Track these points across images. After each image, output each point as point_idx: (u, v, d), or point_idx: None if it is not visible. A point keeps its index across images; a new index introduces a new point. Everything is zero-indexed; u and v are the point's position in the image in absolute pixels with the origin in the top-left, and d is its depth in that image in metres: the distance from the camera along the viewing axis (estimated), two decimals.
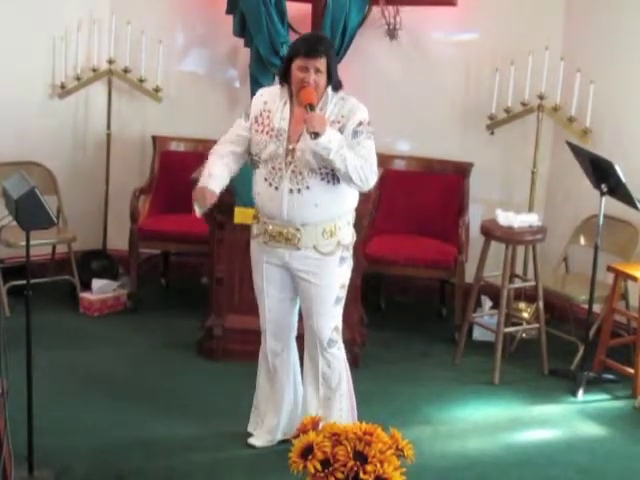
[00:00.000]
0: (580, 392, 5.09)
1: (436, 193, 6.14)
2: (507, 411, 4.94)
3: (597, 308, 5.38)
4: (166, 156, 6.36)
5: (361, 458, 3.13)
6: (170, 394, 4.89)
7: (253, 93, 4.29)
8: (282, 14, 5.82)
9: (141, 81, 6.25)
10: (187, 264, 6.42)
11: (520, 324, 5.72)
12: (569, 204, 6.02)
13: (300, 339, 4.34)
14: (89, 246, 6.39)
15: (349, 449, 3.14)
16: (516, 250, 5.51)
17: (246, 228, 4.46)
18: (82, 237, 6.14)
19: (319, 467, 3.13)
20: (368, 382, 4.84)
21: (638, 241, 5.47)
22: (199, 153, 6.07)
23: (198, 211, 4.04)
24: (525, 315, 5.91)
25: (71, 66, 6.23)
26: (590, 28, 5.84)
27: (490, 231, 5.34)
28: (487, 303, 5.79)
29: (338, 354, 4.23)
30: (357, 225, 4.27)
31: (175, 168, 6.25)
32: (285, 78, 4.05)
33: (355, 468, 3.12)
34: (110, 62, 6.25)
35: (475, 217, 5.97)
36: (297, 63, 3.96)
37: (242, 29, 5.92)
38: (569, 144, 5.31)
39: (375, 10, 5.94)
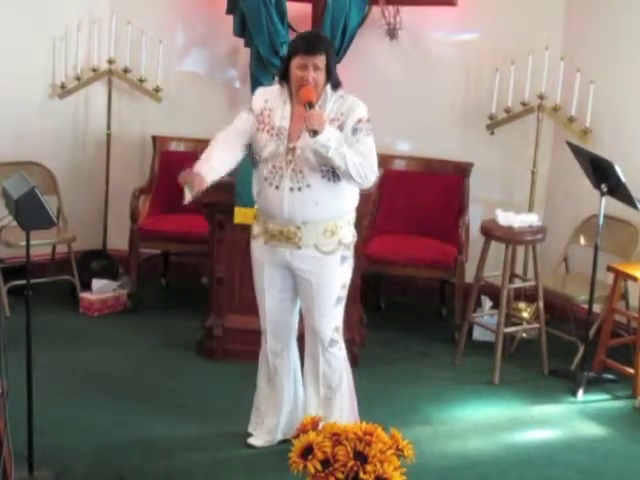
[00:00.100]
0: (580, 392, 5.09)
1: (436, 193, 6.14)
2: (507, 411, 4.94)
3: (597, 308, 5.38)
4: (166, 156, 6.36)
5: (361, 458, 3.13)
6: (170, 394, 4.89)
7: (253, 93, 4.29)
8: (282, 14, 5.82)
9: (141, 81, 6.25)
10: (187, 264, 6.43)
11: (520, 324, 5.72)
12: (569, 204, 6.02)
13: (300, 339, 4.34)
14: (89, 246, 6.39)
15: (349, 449, 3.14)
16: (516, 250, 5.51)
17: (246, 228, 4.47)
18: (82, 237, 6.14)
19: (319, 467, 3.13)
20: (368, 382, 4.84)
21: (638, 241, 5.47)
22: (199, 153, 6.07)
23: (188, 196, 3.96)
24: (525, 315, 5.91)
25: (71, 66, 6.23)
26: (590, 28, 5.84)
27: (490, 231, 5.34)
28: (487, 303, 5.79)
29: (339, 354, 4.23)
30: (357, 225, 4.27)
31: (175, 168, 6.15)
32: (284, 77, 4.06)
33: (355, 468, 3.12)
34: (110, 62, 6.25)
35: (475, 217, 5.97)
36: (296, 61, 3.96)
37: (242, 29, 5.92)
38: (569, 144, 5.31)
39: (375, 10, 5.95)
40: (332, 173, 3.97)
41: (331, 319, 4.16)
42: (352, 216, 4.18)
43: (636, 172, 5.19)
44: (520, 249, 5.69)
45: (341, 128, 3.95)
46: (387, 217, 6.01)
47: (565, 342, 5.53)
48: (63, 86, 6.25)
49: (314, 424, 3.32)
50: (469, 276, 5.64)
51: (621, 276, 5.20)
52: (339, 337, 4.22)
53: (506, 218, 5.32)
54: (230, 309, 5.25)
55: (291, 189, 3.98)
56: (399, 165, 6.21)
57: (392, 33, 5.92)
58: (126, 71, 6.26)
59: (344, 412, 4.21)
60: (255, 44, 5.87)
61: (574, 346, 5.44)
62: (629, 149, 5.59)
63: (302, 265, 4.09)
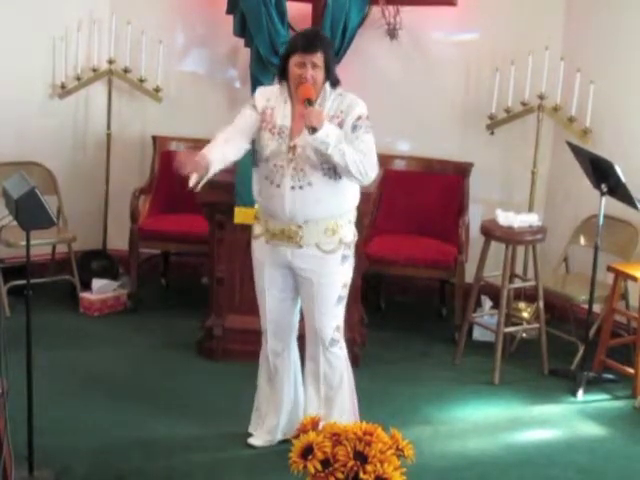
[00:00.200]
0: (580, 392, 5.09)
1: (436, 193, 6.14)
2: (507, 411, 4.94)
3: (597, 308, 5.38)
4: (166, 156, 6.35)
5: (361, 458, 3.13)
6: (170, 394, 4.89)
7: (253, 93, 4.29)
8: (282, 14, 5.82)
9: (141, 81, 6.25)
10: (187, 264, 6.42)
11: (520, 324, 5.72)
12: (569, 204, 6.02)
13: (301, 339, 4.34)
14: (89, 246, 6.39)
15: (349, 449, 3.14)
16: (516, 250, 5.51)
17: (246, 228, 4.47)
18: (82, 237, 6.14)
19: (319, 467, 3.13)
20: (368, 382, 4.84)
21: (638, 241, 5.47)
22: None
23: (193, 179, 3.92)
24: (525, 315, 5.91)
25: (71, 66, 6.23)
26: (590, 28, 5.84)
27: (490, 231, 5.34)
28: (487, 303, 5.79)
29: (340, 353, 4.23)
30: (358, 224, 4.27)
31: (175, 168, 6.24)
32: (284, 76, 4.06)
33: (355, 468, 3.12)
34: (110, 62, 6.25)
35: (475, 217, 5.97)
36: (294, 59, 3.97)
37: (242, 29, 5.92)
38: (569, 144, 5.31)
39: (375, 10, 5.94)
40: (333, 171, 3.97)
41: (332, 318, 4.16)
42: (353, 215, 4.18)
43: (636, 172, 5.19)
44: (520, 249, 5.69)
45: (341, 126, 3.96)
46: (387, 217, 6.01)
47: (565, 342, 5.53)
48: (63, 86, 6.25)
49: (314, 424, 3.32)
50: (469, 276, 5.64)
51: (621, 276, 5.20)
52: (340, 336, 4.22)
53: (506, 218, 5.32)
54: (230, 309, 5.25)
55: (292, 187, 3.98)
56: (399, 165, 6.21)
57: (392, 33, 5.92)
58: (126, 71, 6.26)
59: (345, 412, 4.21)
60: (255, 44, 5.87)
61: (574, 346, 5.44)
62: (629, 149, 5.59)
63: (303, 264, 4.09)
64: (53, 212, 3.94)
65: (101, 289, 5.95)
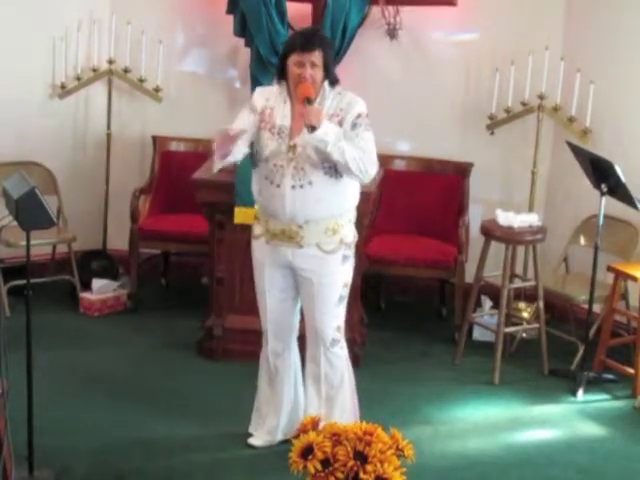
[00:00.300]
0: (580, 392, 5.09)
1: (436, 193, 6.14)
2: (507, 411, 4.94)
3: (597, 308, 5.38)
4: (166, 156, 6.36)
5: (361, 458, 3.13)
6: (170, 394, 4.90)
7: (253, 93, 4.29)
8: (282, 14, 5.81)
9: (141, 81, 6.25)
10: (187, 264, 6.42)
11: (520, 324, 5.71)
12: (569, 204, 6.01)
13: (301, 339, 4.34)
14: (89, 246, 6.38)
15: (349, 449, 3.14)
16: (516, 250, 5.51)
17: (246, 228, 4.47)
18: (82, 237, 6.14)
19: (319, 467, 3.13)
20: (368, 382, 4.84)
21: (638, 241, 5.47)
22: (199, 153, 6.10)
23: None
24: (525, 315, 5.91)
25: (71, 66, 6.23)
26: (590, 28, 5.83)
27: (490, 231, 5.34)
28: (487, 303, 5.79)
29: (341, 353, 4.23)
30: (358, 224, 4.27)
31: (175, 168, 6.25)
32: (283, 75, 4.06)
33: (355, 468, 3.12)
34: (110, 62, 6.25)
35: (475, 217, 5.97)
36: (293, 58, 3.97)
37: (242, 29, 5.92)
38: (569, 144, 5.31)
39: (375, 10, 5.94)
40: (334, 170, 3.97)
41: (333, 318, 4.16)
42: (353, 215, 4.19)
43: (636, 172, 5.19)
44: (520, 249, 5.69)
45: (340, 124, 3.97)
46: (387, 217, 6.01)
47: (565, 342, 5.52)
48: (63, 86, 6.25)
49: (314, 424, 3.32)
50: (469, 276, 5.64)
51: (621, 276, 5.20)
52: (341, 336, 4.22)
53: (506, 218, 5.32)
54: (230, 309, 5.25)
55: (293, 187, 3.98)
56: (399, 165, 6.21)
57: (392, 33, 5.91)
58: (126, 71, 6.25)
59: (345, 412, 4.21)
60: (255, 44, 5.87)
61: (574, 346, 5.44)
62: (629, 149, 5.59)
63: (303, 264, 4.09)
64: (53, 212, 3.94)
65: (101, 289, 5.95)
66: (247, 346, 4.82)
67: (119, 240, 6.25)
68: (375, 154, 3.99)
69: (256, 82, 5.78)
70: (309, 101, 3.90)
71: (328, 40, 4.23)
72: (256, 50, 5.89)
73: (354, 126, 3.98)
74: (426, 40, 6.13)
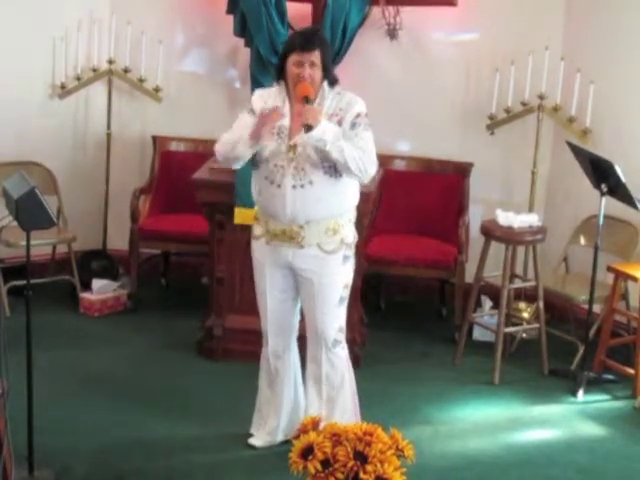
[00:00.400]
0: (580, 392, 5.09)
1: (436, 193, 6.14)
2: (507, 411, 4.94)
3: (597, 308, 5.38)
4: (166, 156, 6.36)
5: (361, 458, 3.13)
6: (170, 394, 4.89)
7: (253, 93, 4.29)
8: (282, 14, 5.81)
9: (141, 81, 6.25)
10: (187, 264, 6.42)
11: (520, 324, 5.71)
12: (569, 204, 6.01)
13: (301, 340, 4.34)
14: (89, 246, 6.38)
15: (349, 449, 3.14)
16: (516, 250, 5.51)
17: (246, 228, 4.47)
18: (82, 237, 6.14)
19: (319, 467, 3.13)
20: (368, 382, 4.83)
21: (638, 241, 5.47)
22: (199, 153, 6.10)
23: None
24: (525, 315, 5.91)
25: (71, 66, 6.23)
26: (590, 28, 5.83)
27: (490, 231, 5.34)
28: (487, 303, 5.79)
29: (342, 354, 4.23)
30: (358, 225, 4.27)
31: (175, 168, 6.25)
32: (281, 76, 4.06)
33: (355, 468, 3.12)
34: (110, 62, 6.25)
35: (475, 217, 5.97)
36: (292, 58, 3.97)
37: (242, 29, 5.92)
38: (569, 144, 5.31)
39: (375, 10, 5.94)
40: (334, 169, 3.98)
41: (334, 319, 4.16)
42: (353, 215, 4.19)
43: (636, 172, 5.19)
44: (520, 249, 5.69)
45: (340, 123, 3.97)
46: (387, 217, 6.01)
47: (565, 342, 5.52)
48: (63, 86, 6.24)
49: (314, 424, 3.32)
50: (469, 276, 5.64)
51: (621, 276, 5.20)
52: (342, 337, 4.22)
53: (506, 218, 5.32)
54: (230, 309, 5.25)
55: (293, 187, 3.98)
56: (399, 165, 6.21)
57: (392, 33, 5.91)
58: (126, 71, 6.25)
59: (346, 412, 4.21)
60: (255, 44, 5.87)
61: (574, 346, 5.44)
62: (629, 149, 5.59)
63: (304, 265, 4.09)
64: (53, 212, 3.94)
65: (101, 289, 5.95)
66: (247, 346, 4.81)
67: (119, 240, 6.25)
68: (374, 153, 3.99)
69: (256, 82, 5.78)
70: (307, 100, 3.90)
71: (327, 40, 4.24)
72: (256, 50, 5.89)
73: (353, 126, 3.98)
74: (426, 40, 6.13)
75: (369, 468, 3.10)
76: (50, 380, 4.83)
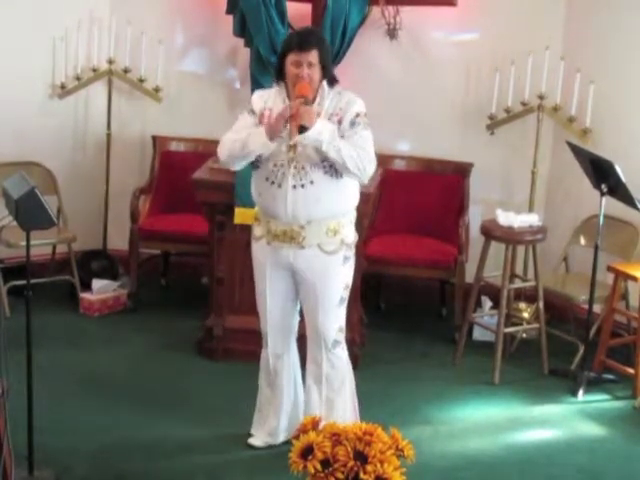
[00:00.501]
0: (580, 392, 5.09)
1: (436, 193, 6.13)
2: (507, 411, 4.94)
3: (597, 308, 5.38)
4: (166, 156, 6.36)
5: (361, 458, 3.13)
6: (170, 394, 4.89)
7: (253, 93, 4.29)
8: (282, 14, 5.81)
9: (141, 81, 6.25)
10: (187, 264, 6.42)
11: (520, 324, 5.71)
12: (569, 204, 6.01)
13: (300, 340, 4.34)
14: (89, 246, 6.38)
15: (349, 449, 3.14)
16: (516, 250, 5.51)
17: (246, 228, 4.47)
18: (82, 237, 6.14)
19: (319, 467, 3.13)
20: (368, 382, 4.83)
21: (638, 241, 5.47)
22: (199, 153, 6.10)
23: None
24: (525, 315, 5.91)
25: (71, 66, 6.23)
26: (590, 28, 5.83)
27: (490, 231, 5.34)
28: (487, 303, 5.79)
29: (342, 354, 4.23)
30: (358, 225, 4.27)
31: (175, 168, 6.25)
32: (281, 76, 4.06)
33: (355, 468, 3.12)
34: (110, 62, 6.24)
35: (475, 217, 5.97)
36: (290, 58, 3.97)
37: (242, 29, 5.92)
38: (569, 144, 5.31)
39: (375, 10, 5.94)
40: (334, 169, 3.97)
41: (334, 319, 4.16)
42: (353, 215, 4.19)
43: (636, 172, 5.19)
44: (520, 249, 5.69)
45: (340, 123, 3.97)
46: (387, 217, 6.01)
47: (565, 342, 5.52)
48: (63, 86, 6.24)
49: (314, 424, 3.32)
50: (469, 276, 5.64)
51: (621, 276, 5.20)
52: (342, 338, 4.22)
53: (506, 218, 5.32)
54: (230, 309, 5.25)
55: (294, 186, 3.98)
56: (399, 165, 6.21)
57: (392, 33, 5.91)
58: (126, 71, 6.25)
59: (346, 413, 4.21)
60: (255, 44, 5.87)
61: (574, 346, 5.44)
62: (629, 149, 5.59)
63: (304, 265, 4.09)
64: (53, 212, 3.94)
65: (101, 289, 5.95)
66: (247, 346, 4.81)
67: (119, 240, 6.25)
68: (373, 153, 3.99)
69: (256, 82, 5.79)
70: (306, 101, 3.90)
71: (325, 39, 4.22)
72: (256, 50, 5.89)
73: (353, 125, 3.98)
74: (426, 40, 6.13)
75: (369, 468, 3.10)
76: (50, 380, 4.83)
